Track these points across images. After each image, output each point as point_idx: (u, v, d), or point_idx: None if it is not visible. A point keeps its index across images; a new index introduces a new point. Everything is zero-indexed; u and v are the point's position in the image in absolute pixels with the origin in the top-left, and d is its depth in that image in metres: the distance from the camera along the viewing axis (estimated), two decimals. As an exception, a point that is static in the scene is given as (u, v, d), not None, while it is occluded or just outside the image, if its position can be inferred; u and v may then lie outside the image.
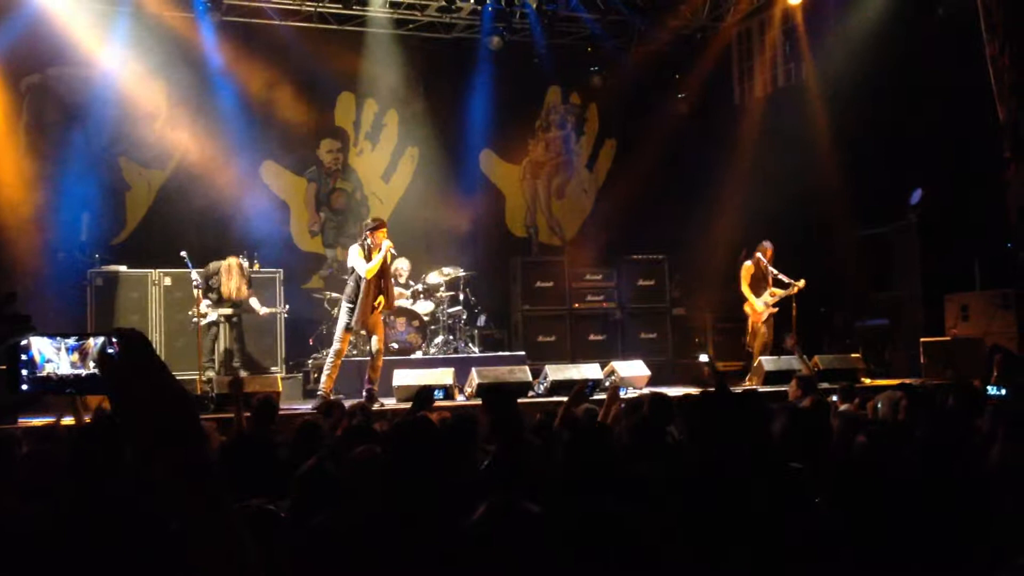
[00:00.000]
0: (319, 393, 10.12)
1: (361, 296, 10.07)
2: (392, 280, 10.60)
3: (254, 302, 11.69)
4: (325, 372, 10.27)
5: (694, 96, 16.10)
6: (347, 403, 7.84)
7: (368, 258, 10.01)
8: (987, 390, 6.35)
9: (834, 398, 7.47)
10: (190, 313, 11.24)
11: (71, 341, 1.87)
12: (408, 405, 7.92)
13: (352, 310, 10.13)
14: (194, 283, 10.83)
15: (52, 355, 1.87)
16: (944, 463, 2.74)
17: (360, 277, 10.08)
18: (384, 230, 10.19)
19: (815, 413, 4.78)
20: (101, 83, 13.21)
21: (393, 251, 10.19)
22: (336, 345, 10.25)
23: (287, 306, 12.44)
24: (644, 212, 15.49)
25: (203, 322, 10.87)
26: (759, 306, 12.36)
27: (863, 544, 2.45)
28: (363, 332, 10.76)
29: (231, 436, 5.89)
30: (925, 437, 3.10)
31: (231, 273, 11.41)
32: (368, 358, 10.49)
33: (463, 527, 2.11)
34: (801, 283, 12.11)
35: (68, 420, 6.39)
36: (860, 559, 2.44)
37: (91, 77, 13.23)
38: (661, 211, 15.38)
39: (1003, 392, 6.17)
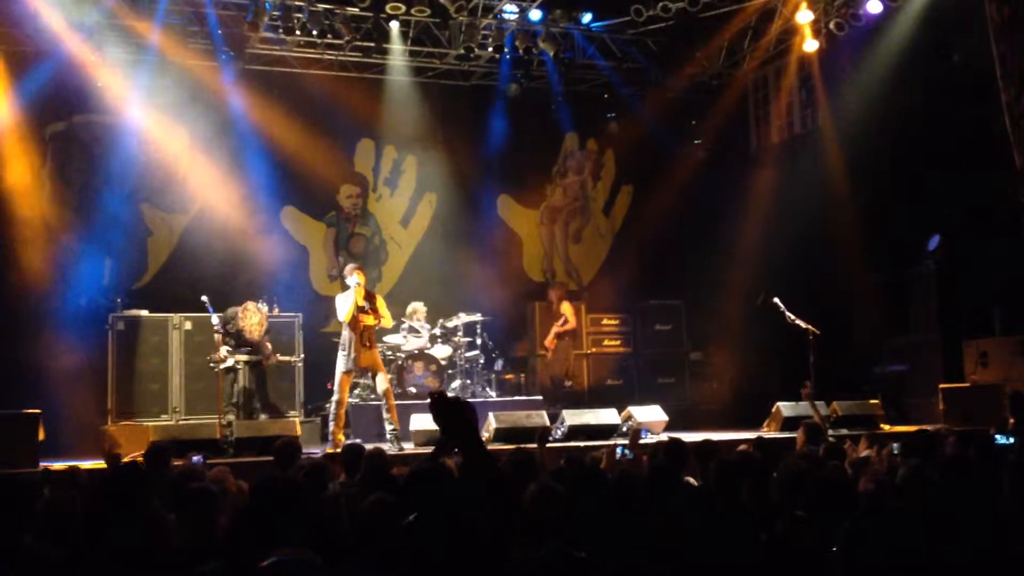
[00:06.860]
0: (330, 443, 10.15)
1: (350, 339, 10.18)
2: (372, 326, 10.47)
3: (268, 347, 11.72)
4: (331, 421, 10.32)
5: (710, 142, 16.15)
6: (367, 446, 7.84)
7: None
8: (995, 438, 6.29)
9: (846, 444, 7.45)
10: (208, 358, 11.31)
11: None
12: (425, 449, 7.92)
13: (346, 356, 10.23)
14: (215, 327, 10.88)
15: None
16: (948, 510, 2.76)
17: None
18: (356, 272, 10.34)
19: (827, 461, 4.78)
20: (125, 131, 13.41)
21: (364, 287, 10.31)
22: (336, 394, 10.33)
23: (302, 356, 12.48)
24: (661, 257, 15.54)
25: (221, 367, 10.92)
26: None
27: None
28: (368, 377, 10.84)
29: None
30: (929, 483, 3.13)
31: (247, 314, 11.43)
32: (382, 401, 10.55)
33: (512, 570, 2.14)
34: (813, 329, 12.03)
35: (88, 464, 6.44)
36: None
37: (115, 125, 13.44)
38: (678, 256, 15.44)
39: (1012, 441, 6.11)
